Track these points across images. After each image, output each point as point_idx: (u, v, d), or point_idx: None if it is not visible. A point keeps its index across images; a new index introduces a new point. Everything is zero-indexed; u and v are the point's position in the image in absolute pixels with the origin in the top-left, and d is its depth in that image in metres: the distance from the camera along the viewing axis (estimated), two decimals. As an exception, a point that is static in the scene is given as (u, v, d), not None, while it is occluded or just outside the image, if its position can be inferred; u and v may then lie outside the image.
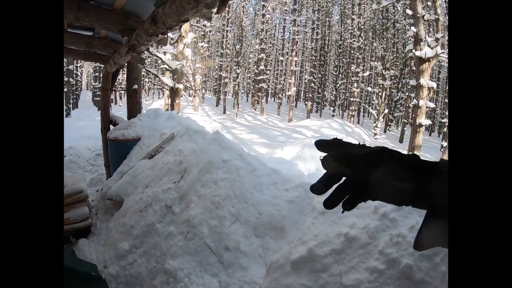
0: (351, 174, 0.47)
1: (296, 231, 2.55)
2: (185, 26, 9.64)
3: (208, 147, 3.53)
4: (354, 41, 24.90)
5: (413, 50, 10.35)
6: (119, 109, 20.27)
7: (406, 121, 19.46)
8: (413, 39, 10.50)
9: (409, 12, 10.87)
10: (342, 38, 29.57)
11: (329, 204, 0.49)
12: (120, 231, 3.29)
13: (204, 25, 22.33)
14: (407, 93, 21.69)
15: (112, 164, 4.78)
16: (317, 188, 0.49)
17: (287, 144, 8.76)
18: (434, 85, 10.60)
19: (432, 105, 10.50)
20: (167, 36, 3.85)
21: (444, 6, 12.81)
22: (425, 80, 10.06)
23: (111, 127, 5.35)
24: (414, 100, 10.44)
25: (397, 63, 24.71)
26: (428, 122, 10.29)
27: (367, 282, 1.73)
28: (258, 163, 3.37)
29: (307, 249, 1.98)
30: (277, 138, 14.62)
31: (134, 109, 5.49)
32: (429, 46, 10.08)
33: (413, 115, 10.47)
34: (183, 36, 9.68)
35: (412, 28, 10.51)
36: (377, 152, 0.46)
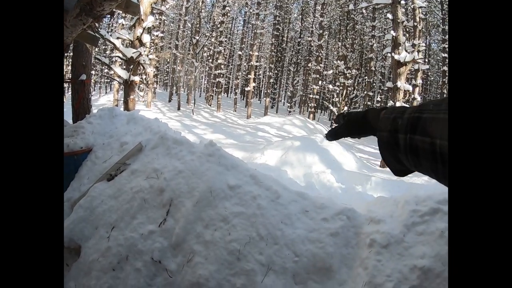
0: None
1: (346, 268, 2.13)
2: (146, 8, 8.20)
3: (202, 166, 2.48)
4: (312, 40, 25.00)
5: (392, 53, 10.52)
6: (58, 105, 17.84)
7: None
8: (392, 43, 10.69)
9: (389, 16, 11.10)
10: (301, 36, 29.62)
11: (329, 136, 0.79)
12: (86, 301, 2.14)
13: (161, 13, 20.59)
14: (365, 92, 22.28)
15: (53, 184, 3.44)
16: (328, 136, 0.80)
17: (268, 148, 7.87)
18: (410, 88, 10.91)
19: (407, 106, 10.77)
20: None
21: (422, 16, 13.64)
22: (401, 83, 10.25)
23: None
24: (391, 101, 10.67)
25: (356, 62, 25.36)
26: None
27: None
28: (279, 186, 2.47)
29: None
30: (243, 138, 13.70)
31: (81, 107, 4.15)
32: (406, 50, 10.39)
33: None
34: (142, 20, 8.16)
35: (392, 32, 10.70)
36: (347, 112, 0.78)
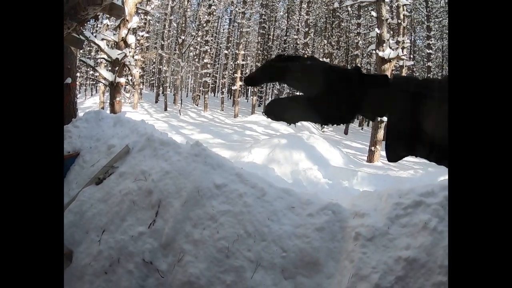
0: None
1: (333, 262, 2.20)
2: (131, 8, 8.12)
3: (188, 166, 2.52)
4: (298, 38, 25.14)
5: (376, 50, 10.67)
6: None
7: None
8: (376, 40, 10.88)
9: (373, 14, 11.27)
10: (287, 34, 29.77)
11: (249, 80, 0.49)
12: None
13: (146, 12, 20.36)
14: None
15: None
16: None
17: (255, 146, 7.93)
18: None
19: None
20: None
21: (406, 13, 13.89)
22: (386, 80, 10.40)
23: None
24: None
25: (342, 60, 25.63)
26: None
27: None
28: (264, 183, 2.53)
29: (373, 285, 1.91)
30: (231, 137, 13.71)
31: (67, 111, 4.11)
32: (390, 47, 10.54)
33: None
34: (127, 20, 8.05)
35: (376, 29, 10.87)
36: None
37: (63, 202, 2.77)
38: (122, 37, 8.08)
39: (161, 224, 2.23)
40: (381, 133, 10.30)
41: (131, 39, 8.24)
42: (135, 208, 2.36)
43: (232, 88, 26.45)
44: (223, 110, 26.73)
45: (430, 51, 20.61)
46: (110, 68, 8.26)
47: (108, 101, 8.80)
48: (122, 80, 8.09)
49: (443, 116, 0.40)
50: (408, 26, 17.12)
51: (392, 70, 12.10)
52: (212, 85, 41.17)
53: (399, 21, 13.28)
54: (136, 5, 9.10)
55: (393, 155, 0.47)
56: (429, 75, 21.15)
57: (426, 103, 0.41)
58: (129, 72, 9.34)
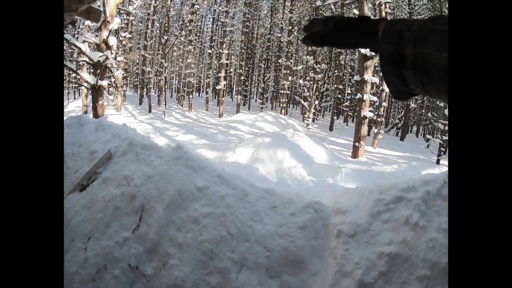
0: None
1: (317, 259, 2.23)
2: (112, 10, 7.99)
3: (170, 170, 2.54)
4: (282, 36, 25.28)
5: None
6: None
7: (351, 114, 20.82)
8: None
9: (355, 11, 11.41)
10: (271, 32, 29.91)
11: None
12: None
13: (129, 13, 20.05)
14: (335, 85, 22.80)
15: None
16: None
17: (239, 146, 7.96)
18: (377, 80, 11.23)
19: (375, 98, 11.09)
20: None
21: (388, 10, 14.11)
22: (368, 76, 10.55)
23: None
24: (359, 94, 10.83)
25: (325, 57, 25.89)
26: (371, 114, 10.63)
27: (422, 290, 1.79)
28: (246, 184, 2.56)
29: (356, 281, 1.94)
30: (215, 137, 13.68)
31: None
32: None
33: (358, 108, 10.89)
34: (108, 22, 7.89)
35: None
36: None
37: (63, 203, 2.75)
38: (104, 39, 7.92)
39: (145, 229, 2.24)
40: (364, 129, 10.48)
41: (112, 41, 8.10)
42: (119, 213, 2.37)
43: (217, 87, 26.34)
44: (207, 110, 26.60)
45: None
46: (92, 71, 8.12)
47: (91, 105, 8.67)
48: (104, 83, 7.96)
49: (420, 40, 0.49)
50: (390, 24, 17.37)
51: (375, 66, 12.25)
52: (197, 85, 40.94)
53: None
54: (117, 5, 8.95)
55: (394, 90, 0.60)
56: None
57: (406, 35, 0.52)
58: (111, 74, 9.19)
